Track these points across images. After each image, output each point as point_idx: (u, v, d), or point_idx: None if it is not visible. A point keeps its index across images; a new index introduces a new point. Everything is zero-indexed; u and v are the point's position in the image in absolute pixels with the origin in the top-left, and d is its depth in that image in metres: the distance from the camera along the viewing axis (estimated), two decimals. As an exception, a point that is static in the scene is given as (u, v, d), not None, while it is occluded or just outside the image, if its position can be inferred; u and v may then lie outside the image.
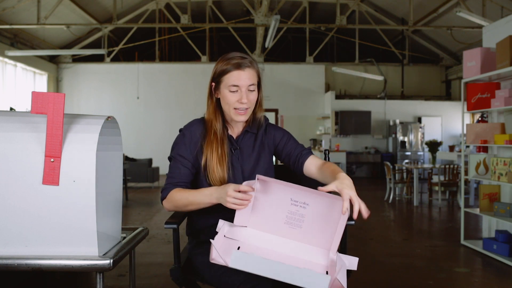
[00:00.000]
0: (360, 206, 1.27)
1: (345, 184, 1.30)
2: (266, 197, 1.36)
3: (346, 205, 1.25)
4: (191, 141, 1.57)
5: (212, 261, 1.27)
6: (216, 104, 1.59)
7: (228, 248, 1.32)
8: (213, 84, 1.57)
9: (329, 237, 1.34)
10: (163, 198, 1.54)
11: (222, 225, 1.37)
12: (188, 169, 1.56)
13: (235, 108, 1.53)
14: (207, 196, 1.45)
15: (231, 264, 1.19)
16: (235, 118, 1.55)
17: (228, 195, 1.35)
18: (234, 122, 1.61)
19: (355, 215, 1.26)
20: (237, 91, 1.52)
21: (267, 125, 1.68)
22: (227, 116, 1.59)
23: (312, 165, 1.56)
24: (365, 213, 1.27)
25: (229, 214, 1.42)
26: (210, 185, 1.54)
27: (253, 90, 1.54)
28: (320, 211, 1.33)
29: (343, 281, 1.20)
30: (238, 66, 1.50)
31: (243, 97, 1.51)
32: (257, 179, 1.31)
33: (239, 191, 1.35)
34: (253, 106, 1.57)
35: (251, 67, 1.53)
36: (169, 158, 1.60)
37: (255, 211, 1.38)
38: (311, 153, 1.61)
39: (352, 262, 1.32)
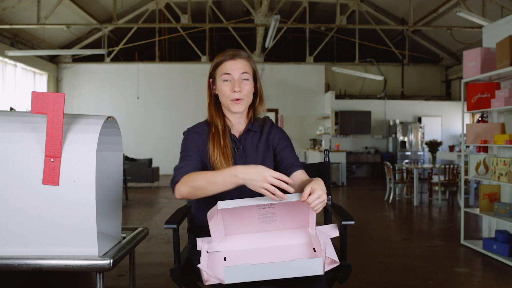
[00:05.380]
0: (313, 194, 1.25)
1: (315, 182, 1.30)
2: (234, 215, 1.36)
3: (307, 191, 1.26)
4: (197, 139, 1.58)
5: (206, 284, 1.26)
6: (215, 101, 1.63)
7: (215, 263, 1.33)
8: (211, 80, 1.62)
9: (304, 216, 1.39)
10: (176, 182, 1.42)
11: (201, 243, 1.36)
12: (200, 158, 1.54)
13: (231, 100, 1.56)
14: (230, 177, 1.33)
15: (227, 281, 1.18)
16: (232, 109, 1.57)
17: (265, 179, 1.26)
18: (234, 117, 1.62)
19: (303, 198, 1.26)
20: (230, 80, 1.55)
21: (272, 126, 1.69)
22: (226, 111, 1.62)
23: (297, 178, 1.54)
24: (315, 203, 1.26)
25: None
26: None
27: (247, 80, 1.57)
28: (288, 205, 1.36)
29: (333, 256, 1.24)
30: (231, 57, 1.56)
31: (235, 86, 1.54)
32: (218, 206, 1.27)
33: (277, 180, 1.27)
34: (249, 98, 1.59)
35: (243, 57, 1.58)
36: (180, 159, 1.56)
37: (228, 227, 1.39)
38: (302, 168, 1.59)
39: (332, 231, 1.38)
